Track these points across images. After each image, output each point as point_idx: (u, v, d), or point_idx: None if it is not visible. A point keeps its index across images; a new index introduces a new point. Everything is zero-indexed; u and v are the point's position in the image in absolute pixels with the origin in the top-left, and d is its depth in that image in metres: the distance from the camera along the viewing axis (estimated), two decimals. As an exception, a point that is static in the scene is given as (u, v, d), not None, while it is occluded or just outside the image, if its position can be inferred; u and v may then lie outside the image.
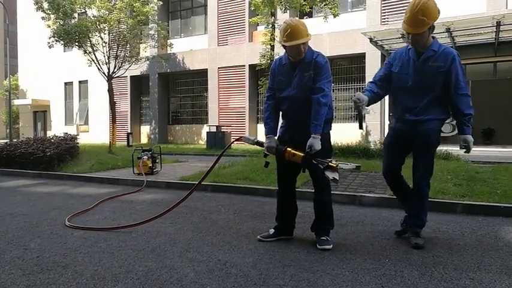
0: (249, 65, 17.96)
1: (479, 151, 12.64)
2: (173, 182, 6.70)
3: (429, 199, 4.64)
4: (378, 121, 14.89)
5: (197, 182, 4.20)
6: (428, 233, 3.60)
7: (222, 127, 17.01)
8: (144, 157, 7.53)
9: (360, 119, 2.99)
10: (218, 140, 15.24)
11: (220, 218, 4.38)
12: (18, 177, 8.27)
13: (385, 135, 3.64)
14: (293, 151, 3.21)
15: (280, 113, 3.50)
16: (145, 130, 22.65)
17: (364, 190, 5.31)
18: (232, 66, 19.05)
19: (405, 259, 2.98)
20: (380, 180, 5.41)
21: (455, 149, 11.09)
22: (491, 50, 13.59)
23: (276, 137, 3.44)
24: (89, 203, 5.25)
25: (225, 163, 7.84)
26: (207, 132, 16.52)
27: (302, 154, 3.14)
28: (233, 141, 3.85)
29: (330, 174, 3.01)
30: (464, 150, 3.31)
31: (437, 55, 3.20)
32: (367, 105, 3.29)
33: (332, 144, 3.54)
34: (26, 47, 26.90)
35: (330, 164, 3.02)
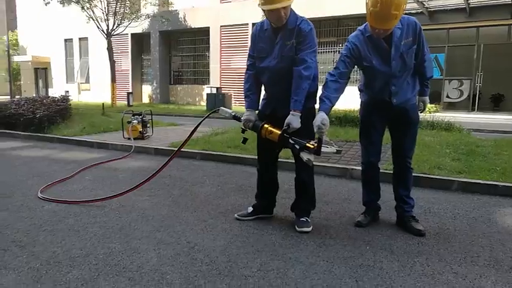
0: (253, 23, 17.22)
1: (486, 118, 12.17)
2: (162, 148, 6.48)
3: (424, 175, 4.44)
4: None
5: (174, 151, 3.96)
6: (419, 214, 3.37)
7: (222, 88, 16.60)
8: (134, 121, 7.28)
9: (320, 144, 2.63)
10: (218, 102, 14.88)
11: (202, 191, 4.19)
12: (9, 138, 8.12)
13: (361, 112, 3.27)
14: (270, 128, 2.92)
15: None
16: (146, 90, 22.30)
17: (356, 163, 5.05)
18: (235, 25, 18.36)
19: (387, 246, 2.78)
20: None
21: (460, 116, 10.69)
22: (506, 12, 12.81)
23: (256, 111, 3.15)
24: (72, 169, 5.08)
25: (217, 129, 7.59)
26: (207, 93, 16.15)
27: (279, 132, 2.86)
28: (209, 114, 3.56)
29: (305, 155, 2.72)
30: (421, 110, 3.16)
31: (404, 30, 2.80)
32: None
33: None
34: (24, 1, 26.12)
35: (307, 144, 2.73)
